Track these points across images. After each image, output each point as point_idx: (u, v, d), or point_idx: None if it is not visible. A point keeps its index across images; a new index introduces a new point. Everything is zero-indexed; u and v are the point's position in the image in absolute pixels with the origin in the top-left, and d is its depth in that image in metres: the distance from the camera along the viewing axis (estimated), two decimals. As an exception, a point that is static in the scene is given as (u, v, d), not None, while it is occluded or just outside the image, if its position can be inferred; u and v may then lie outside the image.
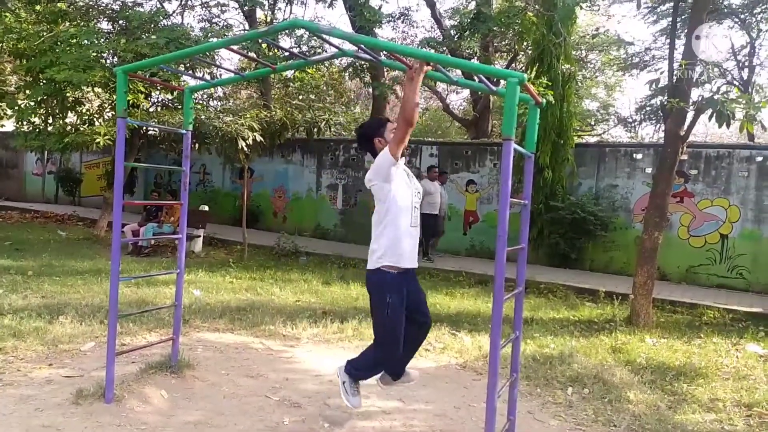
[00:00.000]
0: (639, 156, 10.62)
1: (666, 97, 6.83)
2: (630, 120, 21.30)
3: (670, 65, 7.00)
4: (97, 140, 10.23)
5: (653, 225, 6.83)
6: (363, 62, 11.61)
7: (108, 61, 11.11)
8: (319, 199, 14.09)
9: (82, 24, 11.43)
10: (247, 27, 15.04)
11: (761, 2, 14.69)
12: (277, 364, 4.81)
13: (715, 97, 5.73)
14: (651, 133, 21.21)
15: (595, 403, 4.25)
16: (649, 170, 10.35)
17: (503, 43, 16.94)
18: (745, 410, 4.28)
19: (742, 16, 15.38)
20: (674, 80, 6.62)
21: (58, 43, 10.75)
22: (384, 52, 3.80)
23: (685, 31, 7.65)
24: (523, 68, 13.24)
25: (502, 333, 2.86)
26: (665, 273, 9.87)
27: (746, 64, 16.76)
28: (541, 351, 5.49)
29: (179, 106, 12.05)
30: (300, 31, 11.91)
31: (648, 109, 19.34)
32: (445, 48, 12.55)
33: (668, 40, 11.94)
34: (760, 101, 5.56)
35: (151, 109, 12.14)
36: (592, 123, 22.24)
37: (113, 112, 11.55)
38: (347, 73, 14.02)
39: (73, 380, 4.05)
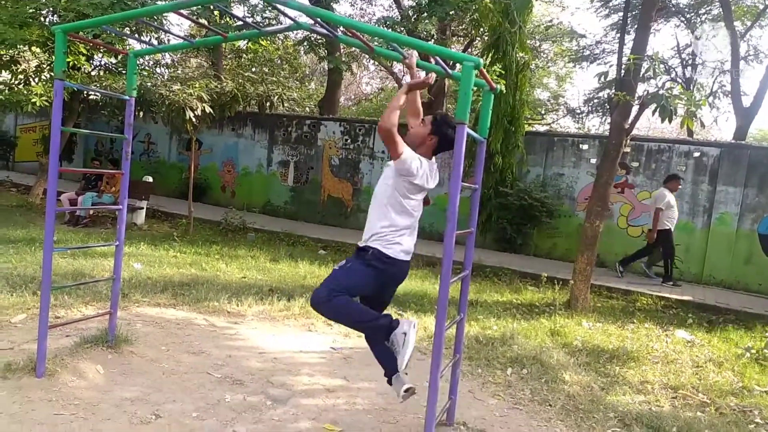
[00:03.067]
0: (585, 146, 10.92)
1: (613, 90, 7.02)
2: (578, 111, 21.93)
3: (619, 59, 7.22)
4: (33, 100, 9.68)
5: (595, 214, 7.06)
6: (319, 37, 11.40)
7: (47, 19, 10.46)
8: (270, 175, 13.84)
9: (18, -23, 10.69)
10: (199, -8, 14.48)
11: (705, 3, 15.29)
12: (221, 341, 4.73)
13: (660, 92, 5.94)
14: (597, 125, 21.92)
15: (532, 383, 4.39)
16: (593, 161, 10.68)
17: (460, 27, 16.97)
18: (671, 392, 4.52)
19: (688, 16, 15.99)
20: (622, 74, 6.82)
21: (-8, -3, 10.04)
22: (341, 27, 3.72)
23: (635, 26, 7.88)
24: (479, 54, 13.33)
25: (447, 315, 2.89)
26: (604, 260, 10.25)
27: (689, 62, 17.48)
28: (484, 333, 5.62)
29: (123, 71, 11.52)
30: (254, 0, 11.57)
31: (595, 101, 19.96)
32: (402, 28, 12.47)
33: (618, 35, 12.29)
34: (700, 99, 5.80)
35: (92, 73, 11.56)
36: (542, 112, 22.73)
37: (52, 73, 10.92)
38: (302, 47, 13.75)
39: (2, 353, 3.85)
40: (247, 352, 4.56)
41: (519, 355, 4.97)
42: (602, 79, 7.00)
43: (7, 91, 10.29)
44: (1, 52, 10.47)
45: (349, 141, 12.93)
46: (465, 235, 3.41)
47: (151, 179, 11.48)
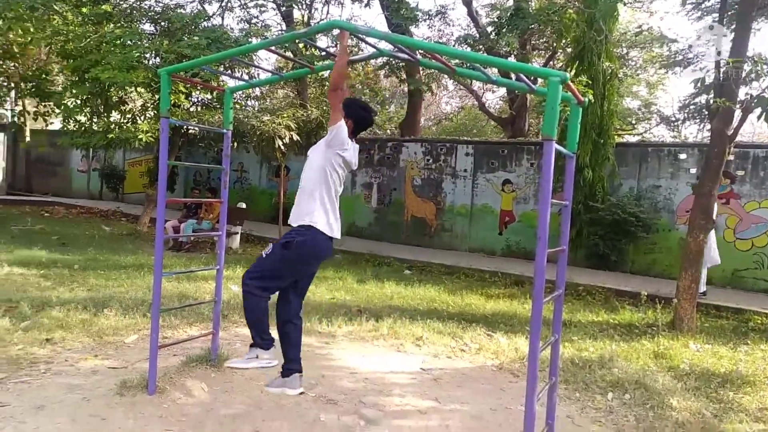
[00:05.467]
0: (683, 156, 10.31)
1: (712, 96, 6.60)
2: (673, 119, 20.72)
3: (717, 62, 6.77)
4: (140, 137, 10.53)
5: (698, 227, 6.62)
6: (399, 61, 11.61)
7: (150, 61, 11.40)
8: (354, 198, 14.14)
9: (125, 25, 11.75)
10: (284, 27, 15.22)
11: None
12: (314, 361, 4.85)
13: (765, 96, 5.52)
14: (695, 132, 20.58)
15: (636, 409, 4.15)
16: (693, 171, 10.05)
17: (541, 40, 16.69)
18: (795, 421, 4.11)
19: (794, 11, 14.77)
20: (721, 78, 6.40)
21: (103, 44, 11.08)
22: (420, 50, 3.79)
23: (732, 27, 7.39)
24: (562, 66, 13.00)
25: (540, 335, 2.81)
26: (710, 277, 9.54)
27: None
28: (580, 354, 5.39)
29: (218, 106, 12.28)
30: (337, 31, 11.99)
31: (692, 107, 18.76)
32: (481, 46, 12.45)
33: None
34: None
35: (191, 109, 12.41)
36: (633, 122, 21.69)
37: (155, 111, 11.84)
38: (383, 72, 14.05)
39: (118, 371, 4.17)
40: (339, 371, 4.64)
41: (620, 378, 4.71)
42: (699, 85, 6.62)
43: (117, 129, 11.27)
44: (112, 94, 11.51)
45: (431, 161, 12.98)
46: (556, 253, 3.31)
47: (244, 205, 12.08)
